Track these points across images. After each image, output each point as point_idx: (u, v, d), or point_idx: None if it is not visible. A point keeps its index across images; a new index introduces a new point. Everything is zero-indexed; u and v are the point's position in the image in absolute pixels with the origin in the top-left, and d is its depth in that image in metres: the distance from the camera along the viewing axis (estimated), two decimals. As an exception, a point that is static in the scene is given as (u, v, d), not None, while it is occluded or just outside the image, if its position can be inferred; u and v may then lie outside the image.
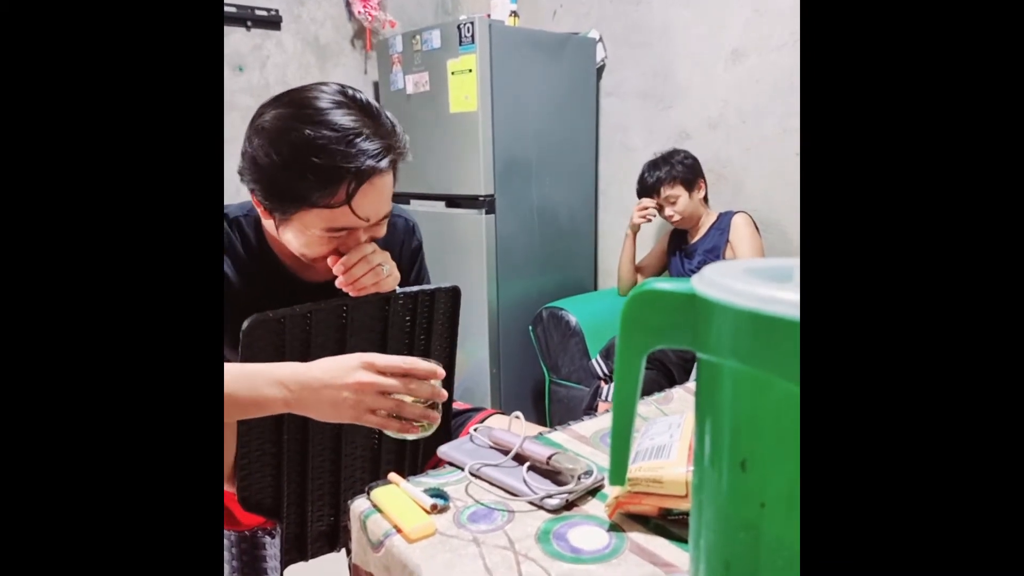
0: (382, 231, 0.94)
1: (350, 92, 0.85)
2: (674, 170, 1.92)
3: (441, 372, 0.73)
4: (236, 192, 2.77)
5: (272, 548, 1.00)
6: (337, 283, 0.91)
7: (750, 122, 2.04)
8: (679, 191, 1.92)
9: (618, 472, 0.44)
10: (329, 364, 0.72)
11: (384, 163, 0.83)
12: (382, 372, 0.71)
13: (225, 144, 2.84)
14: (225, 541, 1.04)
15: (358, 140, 0.80)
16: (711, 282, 0.37)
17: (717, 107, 2.11)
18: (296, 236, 0.87)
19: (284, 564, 0.98)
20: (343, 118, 0.81)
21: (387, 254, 0.95)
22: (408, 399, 0.72)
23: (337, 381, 0.70)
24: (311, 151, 0.79)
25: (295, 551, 1.00)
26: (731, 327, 0.36)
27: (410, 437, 0.74)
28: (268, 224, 0.94)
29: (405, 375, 0.72)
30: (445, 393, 0.75)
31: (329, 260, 0.91)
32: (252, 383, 0.71)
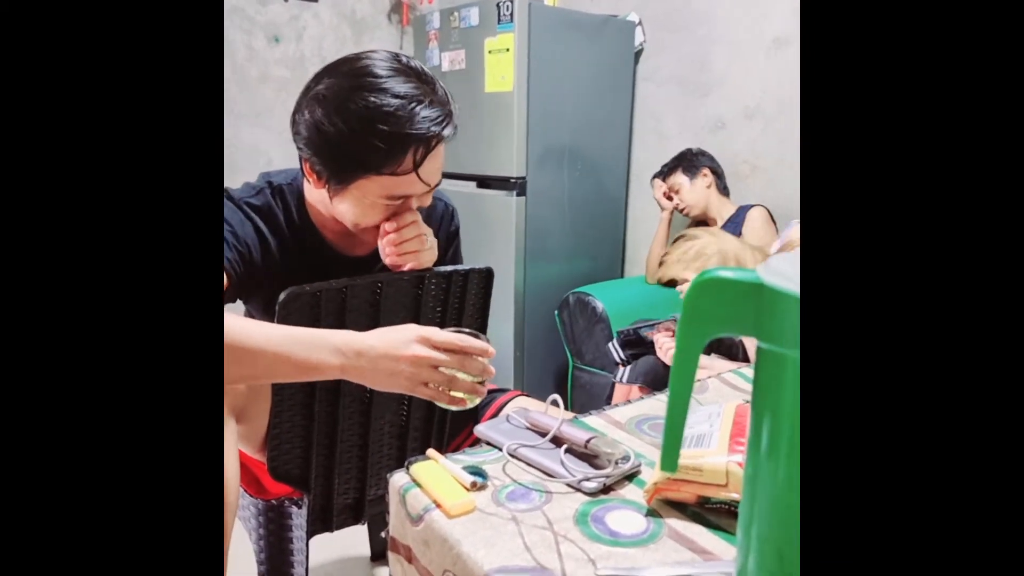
0: (429, 200, 0.95)
1: (403, 59, 0.86)
2: (673, 162, 2.03)
3: (492, 351, 0.74)
4: (267, 163, 2.77)
5: (298, 518, 1.02)
6: (385, 241, 0.92)
7: (789, 112, 2.00)
8: (680, 179, 2.01)
9: (670, 458, 0.44)
10: (386, 335, 0.73)
11: (448, 130, 0.85)
12: (436, 347, 0.72)
13: (257, 115, 2.83)
14: (253, 509, 1.06)
15: (419, 108, 0.82)
16: (778, 272, 0.37)
17: (755, 96, 2.07)
18: (352, 205, 0.88)
19: (309, 534, 1.00)
20: (403, 85, 0.82)
21: (430, 229, 0.96)
22: (460, 374, 0.73)
23: (394, 352, 0.71)
24: (377, 119, 0.80)
25: (320, 522, 1.02)
26: (798, 317, 0.35)
27: (454, 408, 0.76)
28: (314, 195, 0.95)
29: (459, 351, 0.73)
30: (494, 370, 0.76)
31: (385, 225, 0.92)
32: (310, 347, 0.72)
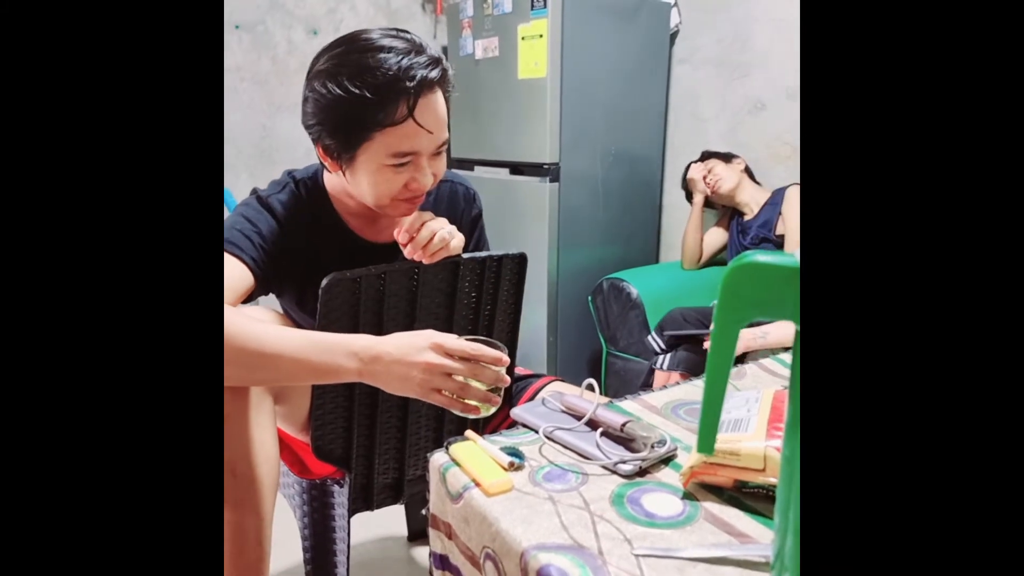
0: (442, 165, 0.94)
1: (395, 29, 0.89)
2: (706, 154, 2.09)
3: (506, 359, 0.75)
4: (305, 152, 2.81)
5: (340, 497, 1.05)
6: (406, 253, 0.93)
7: (831, 94, 1.95)
8: (714, 162, 2.05)
9: (707, 440, 0.44)
10: (401, 340, 0.75)
11: (435, 72, 0.86)
12: (450, 354, 0.73)
13: (296, 106, 2.88)
14: (297, 487, 1.10)
15: (407, 58, 0.84)
16: (817, 255, 0.37)
17: (796, 76, 2.03)
18: (365, 175, 0.89)
19: (351, 512, 1.03)
20: (394, 42, 0.85)
21: (444, 220, 0.97)
22: (473, 382, 0.73)
23: (407, 358, 0.73)
24: (367, 71, 0.82)
25: (361, 501, 1.05)
26: (837, 301, 0.35)
27: (470, 416, 0.76)
28: (334, 183, 0.96)
29: (472, 359, 0.73)
30: (508, 379, 0.76)
31: (395, 232, 0.93)
32: (329, 352, 0.75)
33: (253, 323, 0.76)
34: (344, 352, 0.75)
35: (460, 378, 0.73)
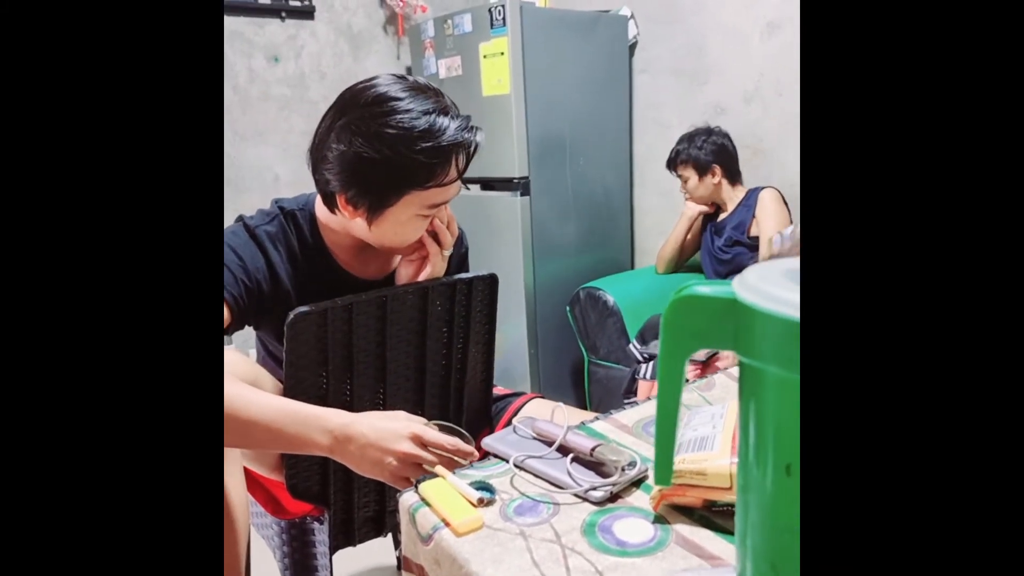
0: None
1: (408, 78, 0.90)
2: (691, 150, 1.95)
3: (477, 455, 0.77)
4: (273, 179, 2.79)
5: (321, 534, 1.04)
6: (436, 237, 0.98)
7: (787, 95, 1.98)
8: (689, 172, 1.98)
9: (663, 472, 0.44)
10: (380, 425, 0.76)
11: (480, 136, 0.90)
12: (426, 446, 0.75)
13: (260, 134, 2.88)
14: (275, 527, 1.08)
15: (444, 119, 0.86)
16: (752, 288, 0.37)
17: (753, 81, 2.06)
18: (394, 225, 0.91)
19: (333, 549, 1.02)
20: (423, 103, 0.86)
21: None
22: (441, 470, 0.74)
23: (384, 444, 0.75)
24: (415, 138, 0.83)
25: (343, 536, 1.04)
26: (772, 335, 0.35)
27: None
28: (329, 216, 0.96)
29: (447, 454, 0.75)
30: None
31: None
32: (303, 425, 0.76)
33: (232, 384, 0.76)
34: (319, 428, 0.76)
35: (428, 467, 0.74)
